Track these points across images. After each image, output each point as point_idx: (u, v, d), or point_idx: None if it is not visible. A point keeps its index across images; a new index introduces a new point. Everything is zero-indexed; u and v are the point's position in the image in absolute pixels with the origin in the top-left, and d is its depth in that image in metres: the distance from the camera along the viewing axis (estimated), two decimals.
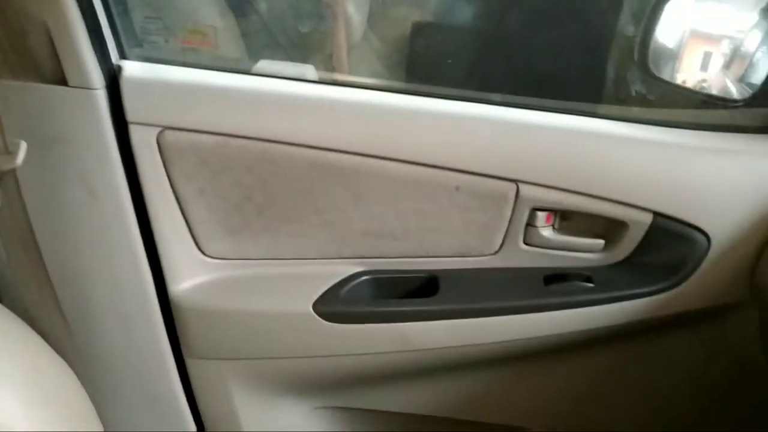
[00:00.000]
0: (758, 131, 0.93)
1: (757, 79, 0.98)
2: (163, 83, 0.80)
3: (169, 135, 0.79)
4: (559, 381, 0.98)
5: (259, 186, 0.83)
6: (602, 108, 1.04)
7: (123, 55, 0.81)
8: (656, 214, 0.87)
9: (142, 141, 0.79)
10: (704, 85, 1.19)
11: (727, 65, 1.16)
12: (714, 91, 1.13)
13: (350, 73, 1.67)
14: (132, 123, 0.78)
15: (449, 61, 1.15)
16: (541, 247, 0.91)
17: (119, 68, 0.78)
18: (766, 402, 1.00)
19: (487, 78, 1.12)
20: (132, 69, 0.79)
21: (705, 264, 0.88)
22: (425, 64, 1.30)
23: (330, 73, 1.72)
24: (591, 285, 0.89)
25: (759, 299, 0.90)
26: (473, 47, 1.25)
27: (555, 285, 0.89)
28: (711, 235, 0.87)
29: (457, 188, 0.86)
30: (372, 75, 1.58)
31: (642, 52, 1.05)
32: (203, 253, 0.87)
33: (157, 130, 0.79)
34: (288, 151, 0.81)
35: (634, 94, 1.08)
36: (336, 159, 0.83)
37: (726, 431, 1.06)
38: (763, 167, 0.87)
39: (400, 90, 0.91)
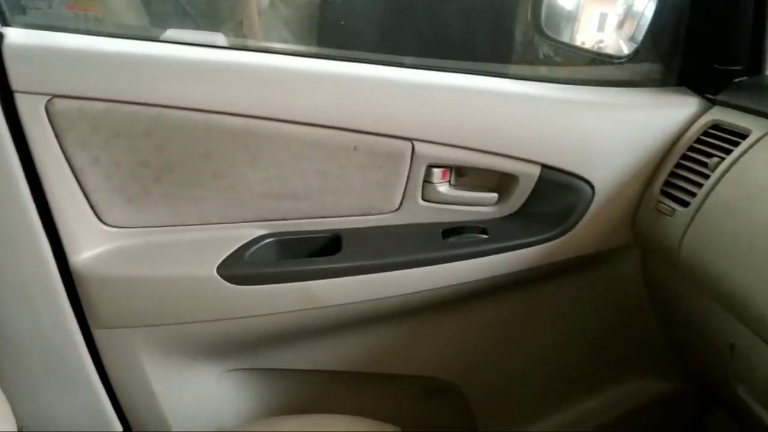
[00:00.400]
0: (639, 85, 1.03)
1: (641, 36, 1.09)
2: (48, 50, 0.82)
3: (59, 103, 0.82)
4: (461, 330, 1.06)
5: (155, 152, 0.87)
6: (493, 67, 1.12)
7: (5, 23, 0.82)
8: (544, 166, 0.96)
9: (30, 110, 0.81)
10: (601, 45, 1.30)
11: (620, 24, 1.27)
12: (606, 50, 1.23)
13: (261, 39, 1.70)
14: (18, 92, 0.80)
15: (352, 24, 1.21)
16: (439, 202, 0.99)
17: (0, 36, 0.79)
18: (653, 338, 1.12)
19: (383, 40, 1.18)
20: (15, 36, 0.81)
21: (590, 212, 0.98)
22: (330, 27, 1.35)
23: (241, 40, 1.75)
24: (486, 236, 0.97)
25: (640, 243, 1.01)
26: (372, 10, 1.31)
27: (452, 238, 0.97)
28: (595, 184, 0.97)
29: (355, 148, 0.92)
30: (281, 41, 1.62)
31: (535, 14, 1.13)
32: (103, 222, 0.90)
33: (46, 98, 0.81)
34: (182, 115, 0.85)
35: (526, 53, 1.17)
36: (232, 122, 0.87)
37: (619, 370, 1.17)
38: (643, 119, 0.97)
39: (295, 53, 0.96)
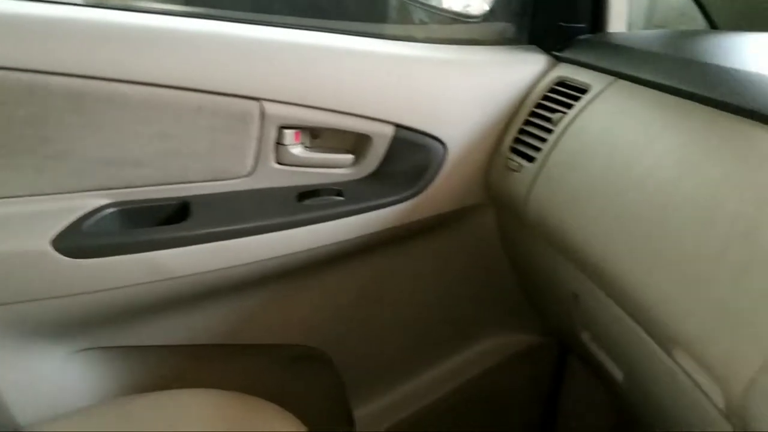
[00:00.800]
0: (491, 44, 1.09)
1: None
2: None
3: None
4: (323, 295, 1.09)
5: None
6: (344, 24, 1.13)
7: None
8: (397, 126, 0.99)
9: None
10: (454, 4, 1.34)
11: None
12: (459, 9, 1.28)
13: None
14: None
15: None
16: (294, 165, 1.00)
17: None
18: (512, 293, 1.20)
19: None
20: None
21: (444, 171, 1.02)
22: None
23: None
24: (341, 198, 0.99)
25: (493, 201, 1.08)
26: None
27: (308, 201, 0.99)
28: (447, 143, 1.02)
29: (200, 109, 0.91)
30: None
31: None
32: None
33: None
34: (1, 76, 0.81)
35: (379, 11, 1.20)
36: (58, 83, 0.84)
37: (482, 326, 1.25)
38: (494, 77, 1.02)
39: (127, 7, 0.93)
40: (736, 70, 0.79)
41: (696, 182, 0.69)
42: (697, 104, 0.77)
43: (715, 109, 0.74)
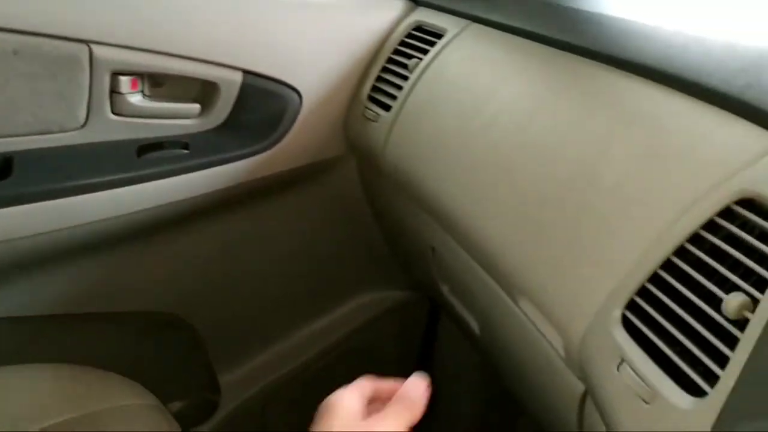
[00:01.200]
0: None
1: None
2: None
3: None
4: (176, 257, 1.05)
5: None
6: None
7: None
8: (245, 72, 0.95)
9: None
10: None
11: None
12: None
13: None
14: None
15: None
16: (133, 116, 0.94)
17: None
18: (380, 249, 1.20)
19: None
20: None
21: (299, 122, 1.00)
22: None
23: None
24: (187, 152, 0.95)
25: (353, 152, 1.07)
26: None
27: (149, 155, 0.94)
28: (302, 91, 0.99)
29: (16, 53, 0.84)
30: None
31: None
32: None
33: None
34: None
35: None
36: None
37: (352, 284, 1.25)
38: (350, 22, 1.00)
39: None
40: (585, 12, 0.81)
41: (541, 127, 0.70)
42: (546, 47, 0.78)
43: (563, 51, 0.75)
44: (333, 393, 0.54)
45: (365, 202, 1.10)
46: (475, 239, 0.75)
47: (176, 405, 1.21)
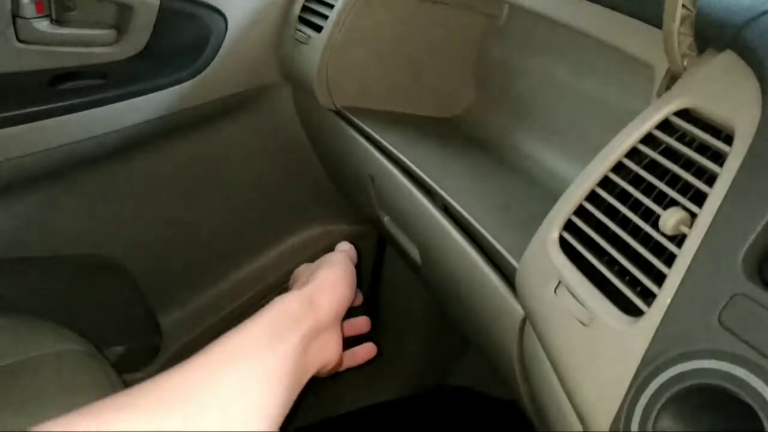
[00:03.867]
0: None
1: None
2: None
3: None
4: (104, 197, 0.99)
5: None
6: None
7: None
8: None
9: None
10: None
11: None
12: None
13: None
14: None
15: None
16: (42, 44, 0.87)
17: None
18: (323, 181, 1.16)
19: None
20: None
21: (226, 47, 0.94)
22: None
23: None
24: (104, 81, 0.88)
25: (287, 79, 1.01)
26: None
27: (62, 86, 0.87)
28: (227, 14, 0.92)
29: None
30: None
31: None
32: None
33: None
34: None
35: None
36: None
37: (296, 218, 1.21)
38: None
39: None
40: None
41: None
42: None
43: None
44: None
45: (303, 132, 1.05)
46: (414, 164, 0.72)
47: (116, 350, 1.18)
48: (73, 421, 0.32)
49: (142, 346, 1.19)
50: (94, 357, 0.90)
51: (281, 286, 1.19)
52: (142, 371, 1.14)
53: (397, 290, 1.30)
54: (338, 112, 0.88)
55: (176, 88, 0.89)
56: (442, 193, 0.67)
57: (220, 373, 0.38)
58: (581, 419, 0.44)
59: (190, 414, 0.35)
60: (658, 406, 0.37)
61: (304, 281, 0.50)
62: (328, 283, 0.49)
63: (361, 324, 0.59)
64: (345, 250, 0.58)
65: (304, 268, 0.56)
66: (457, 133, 0.88)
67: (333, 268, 0.51)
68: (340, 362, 0.51)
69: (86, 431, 0.32)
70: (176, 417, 0.34)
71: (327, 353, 0.48)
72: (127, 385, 0.88)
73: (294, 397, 0.42)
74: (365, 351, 0.59)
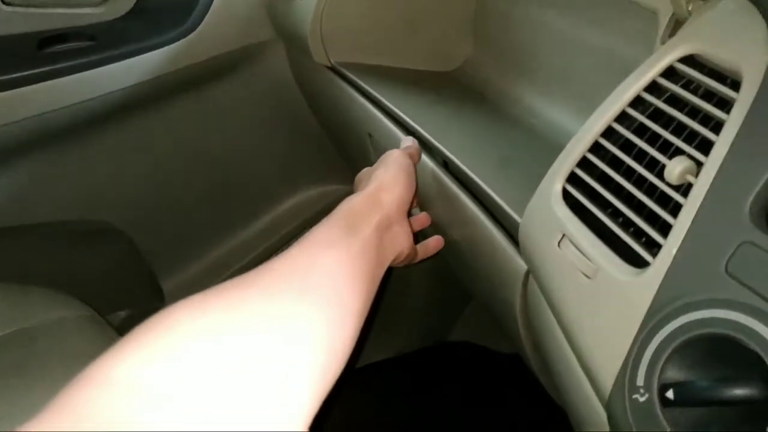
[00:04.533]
0: None
1: None
2: None
3: None
4: (100, 162, 0.98)
5: None
6: None
7: None
8: None
9: None
10: None
11: None
12: None
13: None
14: None
15: None
16: (28, 6, 0.85)
17: None
18: (322, 141, 1.14)
19: None
20: None
21: (217, 6, 0.91)
22: None
23: None
24: (93, 43, 0.87)
25: (282, 36, 0.99)
26: None
27: (50, 48, 0.85)
28: None
29: None
30: None
31: None
32: None
33: None
34: None
35: None
36: None
37: (295, 179, 1.21)
38: None
39: None
40: None
41: None
42: None
43: None
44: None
45: (299, 90, 1.03)
46: (412, 120, 0.71)
47: (119, 316, 1.18)
48: (205, 299, 0.38)
49: (145, 310, 1.18)
50: (97, 322, 0.90)
51: (283, 245, 1.18)
52: None
53: None
54: (333, 69, 0.86)
55: (167, 48, 0.88)
56: (442, 148, 0.66)
57: (316, 258, 0.43)
58: (586, 372, 0.44)
59: (297, 290, 0.40)
60: (665, 356, 0.36)
61: (366, 183, 0.55)
62: (387, 181, 0.55)
63: (423, 219, 0.69)
64: (406, 147, 0.65)
65: (366, 172, 0.60)
66: (455, 87, 0.86)
67: (389, 168, 0.57)
68: (413, 253, 0.59)
69: (218, 305, 0.37)
70: (286, 293, 0.40)
71: (399, 243, 0.54)
72: None
73: (377, 280, 0.49)
74: (435, 242, 0.68)
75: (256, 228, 1.20)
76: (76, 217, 1.01)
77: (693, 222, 0.38)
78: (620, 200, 0.45)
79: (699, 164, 0.40)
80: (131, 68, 0.86)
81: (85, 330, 0.86)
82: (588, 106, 0.50)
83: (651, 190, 0.43)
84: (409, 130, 0.74)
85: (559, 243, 0.48)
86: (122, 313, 1.20)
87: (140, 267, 1.11)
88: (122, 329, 1.02)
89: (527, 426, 1.10)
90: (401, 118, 0.74)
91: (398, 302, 1.24)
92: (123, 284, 1.16)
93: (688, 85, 0.44)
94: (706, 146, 0.40)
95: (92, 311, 0.92)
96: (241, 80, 1.00)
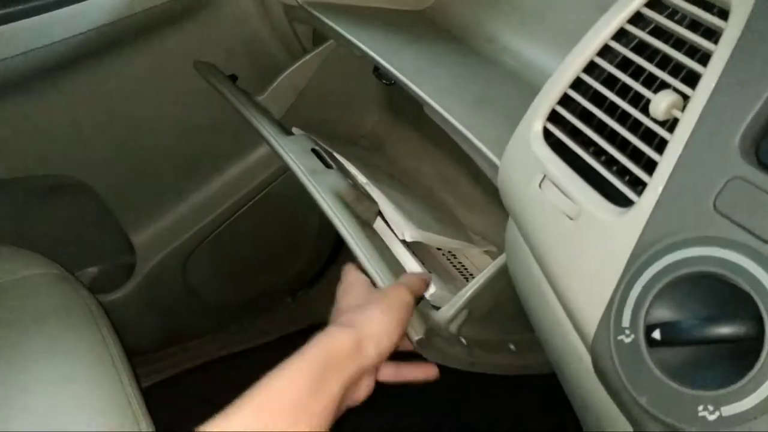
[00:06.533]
0: None
1: None
2: None
3: None
4: (58, 113, 0.94)
5: None
6: None
7: None
8: None
9: None
10: None
11: None
12: None
13: None
14: None
15: None
16: None
17: None
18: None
19: None
20: None
21: None
22: None
23: None
24: None
25: None
26: None
27: None
28: None
29: None
30: None
31: None
32: None
33: None
34: None
35: None
36: None
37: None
38: None
39: None
40: None
41: None
42: None
43: None
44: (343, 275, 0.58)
45: (272, 36, 0.98)
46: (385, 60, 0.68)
47: (89, 272, 1.15)
48: None
49: (115, 265, 1.16)
50: (67, 279, 0.87)
51: (255, 195, 1.15)
52: (119, 290, 1.11)
53: None
54: (302, 9, 0.82)
55: None
56: (417, 89, 0.63)
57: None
58: (570, 315, 0.43)
59: None
60: (651, 296, 0.36)
61: (353, 315, 0.49)
62: (380, 331, 0.49)
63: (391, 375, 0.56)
64: (411, 283, 0.56)
65: (356, 295, 0.55)
66: (428, 26, 0.83)
67: (387, 314, 0.50)
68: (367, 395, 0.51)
69: None
70: None
71: (359, 395, 0.50)
72: (103, 305, 0.87)
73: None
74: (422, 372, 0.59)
75: (226, 179, 1.17)
76: (40, 173, 0.97)
77: (679, 158, 0.37)
78: (603, 138, 0.43)
79: (685, 98, 0.38)
80: (84, 13, 0.81)
81: (55, 288, 0.84)
82: (566, 43, 0.48)
83: (635, 127, 0.41)
84: (381, 71, 0.71)
85: (540, 184, 0.46)
86: (92, 270, 1.17)
87: (108, 221, 1.08)
88: (94, 286, 0.99)
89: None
90: (374, 59, 0.71)
91: None
92: (91, 240, 1.13)
93: (674, 15, 0.42)
94: (693, 79, 0.39)
95: (60, 268, 0.89)
96: (201, 27, 0.95)
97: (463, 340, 0.59)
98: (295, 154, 0.71)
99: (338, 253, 1.43)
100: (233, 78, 0.92)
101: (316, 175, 0.68)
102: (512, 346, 0.66)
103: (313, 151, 0.74)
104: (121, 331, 0.86)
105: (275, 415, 0.42)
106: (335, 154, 0.77)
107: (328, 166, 0.72)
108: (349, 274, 0.58)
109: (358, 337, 0.47)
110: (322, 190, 0.65)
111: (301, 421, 0.42)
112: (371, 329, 0.48)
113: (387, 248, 0.64)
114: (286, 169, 1.20)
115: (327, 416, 0.44)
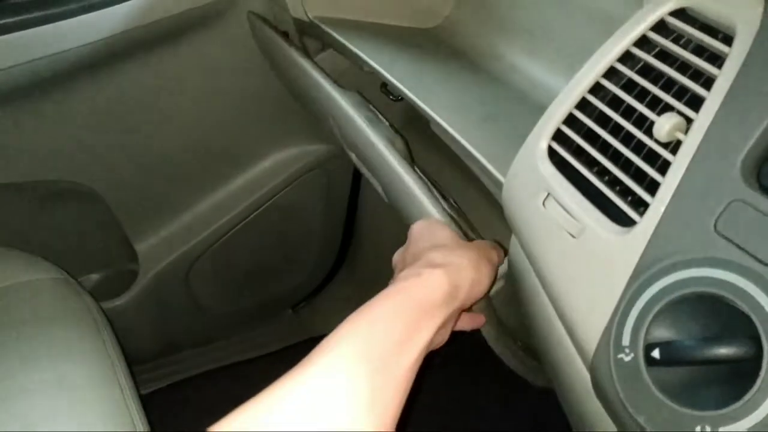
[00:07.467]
0: None
1: None
2: None
3: None
4: (68, 120, 0.95)
5: None
6: None
7: None
8: None
9: None
10: None
11: None
12: None
13: None
14: None
15: None
16: None
17: None
18: (291, 104, 1.11)
19: None
20: None
21: None
22: None
23: None
24: None
25: None
26: None
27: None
28: None
29: None
30: None
31: None
32: None
33: None
34: None
35: None
36: None
37: (267, 141, 1.17)
38: None
39: None
40: None
41: None
42: None
43: None
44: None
45: (262, 55, 0.99)
46: (394, 77, 0.69)
47: (92, 278, 1.16)
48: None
49: (118, 272, 1.17)
50: (70, 284, 0.88)
51: (258, 207, 1.16)
52: (122, 297, 1.12)
53: (373, 212, 1.28)
54: (312, 24, 0.83)
55: (125, 5, 0.83)
56: (423, 106, 0.64)
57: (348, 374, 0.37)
58: (570, 333, 0.44)
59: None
60: (651, 316, 0.36)
61: (437, 246, 0.47)
62: (474, 279, 0.47)
63: (478, 320, 0.57)
64: (497, 247, 0.55)
65: (443, 235, 0.52)
66: (437, 44, 0.84)
67: (482, 264, 0.49)
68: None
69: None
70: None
71: (442, 336, 0.46)
72: (105, 311, 0.87)
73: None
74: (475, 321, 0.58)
75: (232, 189, 1.18)
76: (47, 178, 0.98)
77: (682, 180, 0.38)
78: (607, 158, 0.44)
79: (689, 121, 0.39)
80: (98, 22, 0.82)
81: (58, 292, 0.85)
82: (573, 63, 0.49)
83: (639, 148, 0.42)
84: (389, 87, 0.72)
85: (543, 202, 0.47)
86: (95, 276, 1.18)
87: (113, 228, 1.09)
88: (97, 291, 1.00)
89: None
90: (382, 75, 0.71)
91: (374, 269, 1.23)
92: (95, 246, 1.14)
93: (679, 39, 0.43)
94: (696, 102, 0.39)
95: (64, 273, 0.90)
96: (212, 36, 0.96)
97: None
98: (352, 105, 0.72)
99: (339, 266, 1.44)
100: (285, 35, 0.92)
101: (373, 124, 0.68)
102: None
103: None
104: (122, 338, 0.87)
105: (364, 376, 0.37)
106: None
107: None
108: (420, 222, 0.54)
109: (455, 282, 0.44)
110: (380, 139, 0.65)
111: (387, 383, 0.38)
112: (468, 274, 0.46)
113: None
114: (289, 182, 1.22)
115: (415, 371, 0.40)
